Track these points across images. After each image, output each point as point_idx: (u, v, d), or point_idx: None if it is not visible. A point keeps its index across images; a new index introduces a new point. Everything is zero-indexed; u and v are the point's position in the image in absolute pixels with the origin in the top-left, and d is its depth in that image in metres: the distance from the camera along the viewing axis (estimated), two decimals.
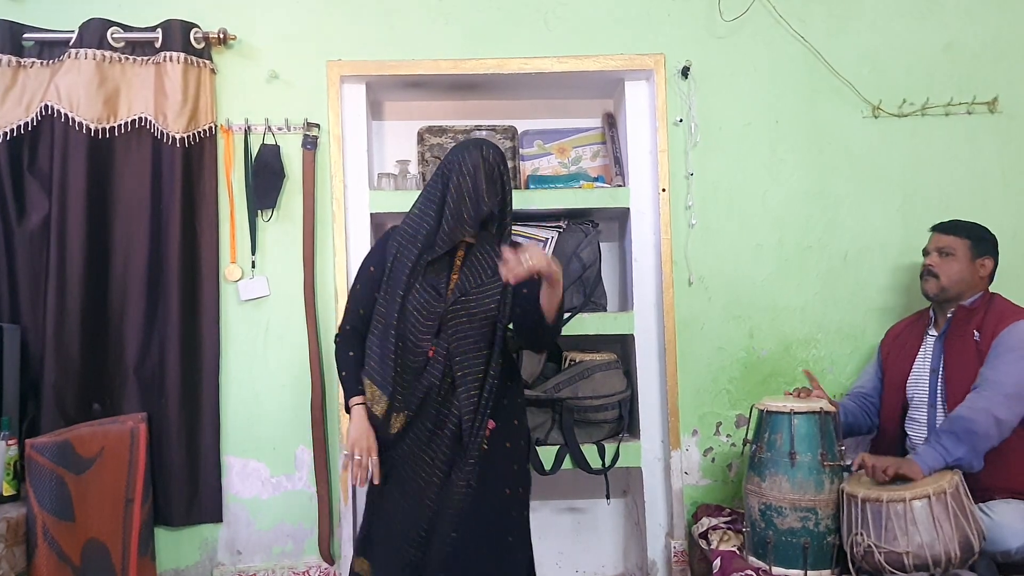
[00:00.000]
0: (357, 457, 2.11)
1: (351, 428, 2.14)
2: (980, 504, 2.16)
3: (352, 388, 2.16)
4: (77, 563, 2.27)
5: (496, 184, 2.16)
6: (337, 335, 2.25)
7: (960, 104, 2.85)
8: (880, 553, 2.05)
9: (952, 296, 2.44)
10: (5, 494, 2.33)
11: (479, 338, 2.13)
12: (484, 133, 2.90)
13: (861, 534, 2.09)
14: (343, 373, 2.20)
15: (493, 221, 2.21)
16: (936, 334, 2.49)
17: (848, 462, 2.30)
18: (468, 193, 2.13)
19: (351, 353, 2.19)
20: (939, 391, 2.40)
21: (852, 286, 2.85)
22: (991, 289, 2.47)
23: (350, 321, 2.23)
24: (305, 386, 2.74)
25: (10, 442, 2.35)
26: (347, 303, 2.27)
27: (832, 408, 2.31)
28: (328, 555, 2.72)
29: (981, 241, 2.46)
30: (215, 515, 2.72)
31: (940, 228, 2.50)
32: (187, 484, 2.68)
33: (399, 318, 2.11)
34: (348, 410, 2.17)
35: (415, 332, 2.11)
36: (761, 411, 2.35)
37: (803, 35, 2.84)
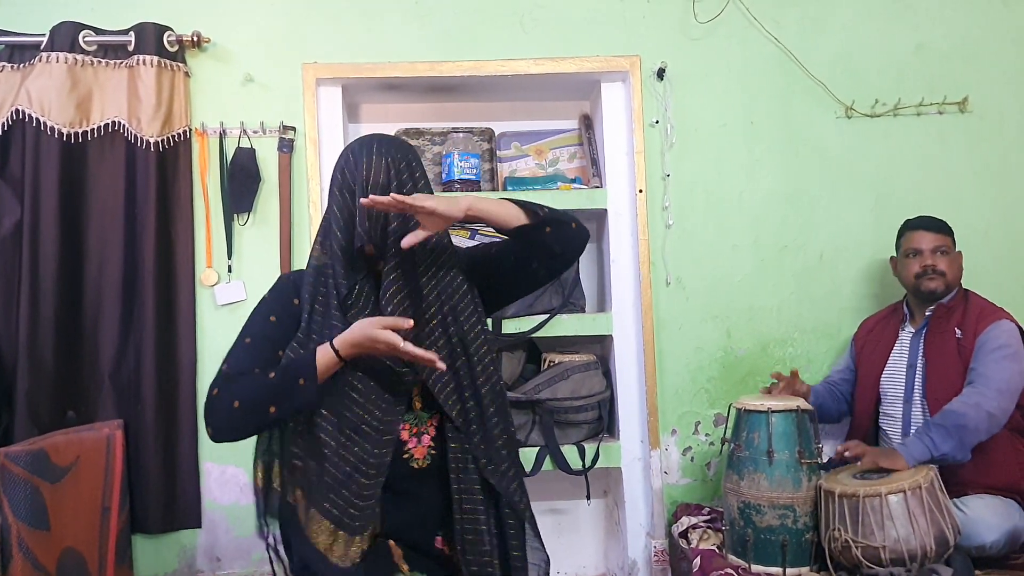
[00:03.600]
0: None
1: (356, 336, 1.57)
2: (955, 499, 2.20)
3: (301, 360, 1.60)
4: (53, 573, 2.24)
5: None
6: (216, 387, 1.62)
7: (931, 104, 2.89)
8: (857, 548, 2.07)
9: (947, 294, 2.48)
10: None
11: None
12: (461, 135, 2.90)
13: (838, 529, 2.11)
14: (272, 377, 1.58)
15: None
16: (913, 330, 2.52)
17: (825, 459, 2.32)
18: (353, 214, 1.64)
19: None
20: (916, 386, 2.44)
21: (827, 285, 2.88)
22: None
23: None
24: None
25: None
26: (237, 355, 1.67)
27: (809, 407, 2.33)
28: None
29: (954, 236, 2.52)
30: (193, 522, 2.69)
31: (927, 227, 2.52)
32: (165, 491, 2.65)
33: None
34: (317, 376, 1.58)
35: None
36: (739, 410, 2.36)
37: (777, 37, 2.87)
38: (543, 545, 1.80)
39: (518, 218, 1.70)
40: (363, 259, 1.68)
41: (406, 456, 1.69)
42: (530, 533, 1.77)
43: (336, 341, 1.58)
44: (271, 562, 1.71)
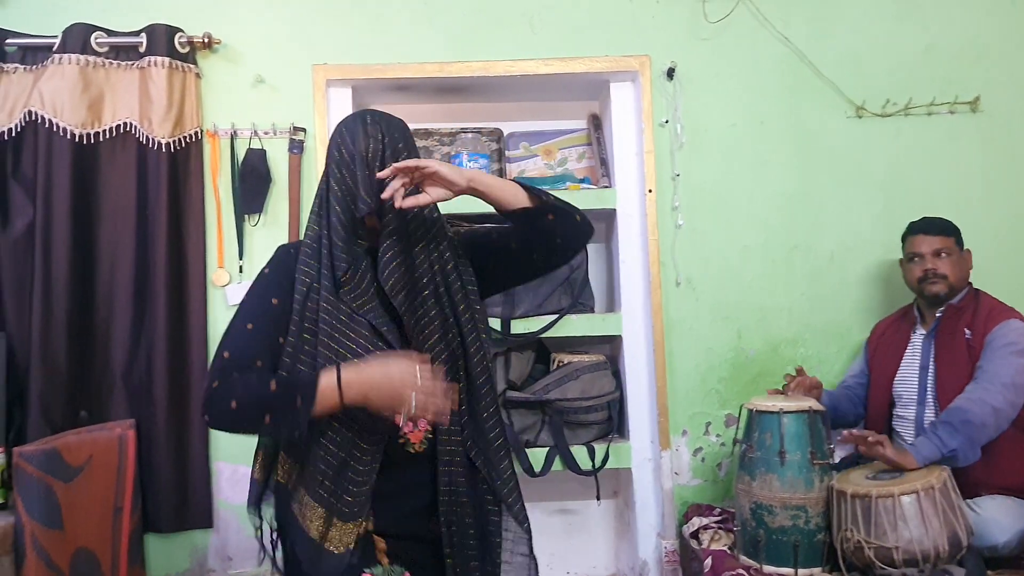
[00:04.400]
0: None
1: (376, 379, 1.53)
2: (968, 500, 2.19)
3: (305, 380, 1.55)
4: (66, 572, 2.25)
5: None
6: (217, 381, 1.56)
7: (942, 104, 2.88)
8: (870, 548, 2.06)
9: (954, 295, 2.47)
10: None
11: None
12: (470, 135, 2.91)
13: (851, 530, 2.11)
14: (273, 389, 1.54)
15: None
16: (924, 332, 2.52)
17: (837, 460, 2.32)
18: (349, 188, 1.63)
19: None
20: (929, 389, 2.43)
21: (837, 285, 2.87)
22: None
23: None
24: None
25: None
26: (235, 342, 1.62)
27: (821, 408, 2.32)
28: None
29: (959, 235, 2.51)
30: (205, 521, 2.70)
31: (926, 230, 2.52)
32: (177, 491, 2.66)
33: None
34: (315, 413, 1.53)
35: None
36: (750, 411, 2.36)
37: (787, 36, 2.87)
38: (531, 551, 1.79)
39: (520, 200, 1.68)
40: (364, 231, 1.67)
41: (402, 441, 1.65)
42: (519, 539, 1.77)
43: (344, 377, 1.53)
44: (260, 547, 1.71)
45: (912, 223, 2.57)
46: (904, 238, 2.58)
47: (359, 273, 1.64)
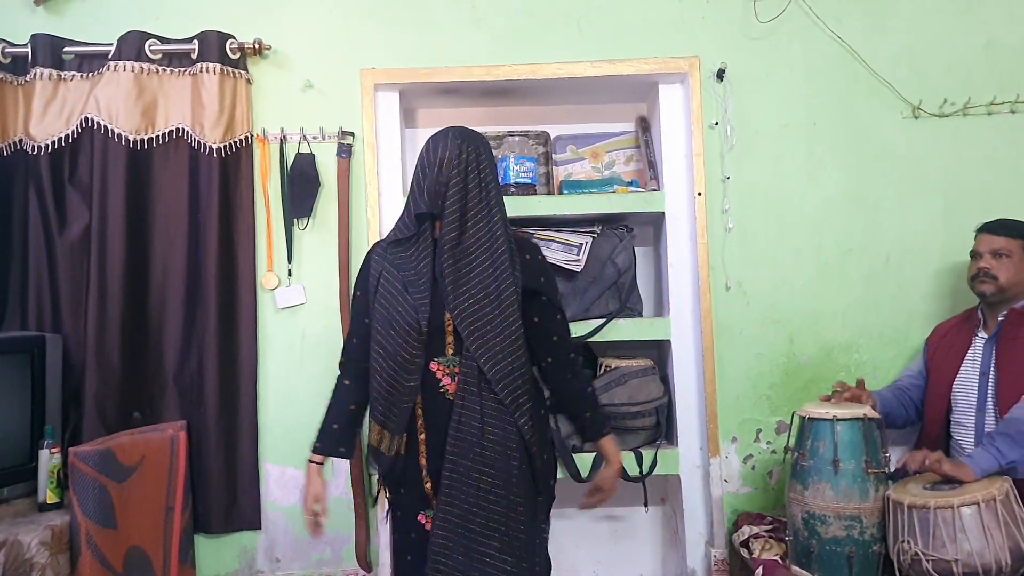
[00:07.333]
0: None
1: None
2: None
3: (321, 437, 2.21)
4: (119, 570, 2.29)
5: (455, 179, 2.06)
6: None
7: (1003, 103, 2.80)
8: (928, 561, 2.00)
9: (1008, 298, 2.40)
10: (49, 502, 2.36)
11: None
12: (517, 139, 2.89)
13: (908, 542, 2.05)
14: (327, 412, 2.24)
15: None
16: (986, 336, 2.44)
17: (893, 469, 2.26)
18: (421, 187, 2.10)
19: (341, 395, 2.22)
20: (989, 395, 2.35)
21: (894, 290, 2.80)
22: None
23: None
24: None
25: (53, 451, 2.38)
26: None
27: (876, 415, 2.26)
28: (365, 563, 2.72)
29: None
30: (254, 522, 2.73)
31: (990, 229, 2.45)
32: (226, 492, 2.70)
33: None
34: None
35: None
36: (803, 418, 2.31)
37: (840, 35, 2.80)
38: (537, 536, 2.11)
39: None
40: (429, 220, 2.10)
41: (442, 391, 2.07)
42: (526, 517, 2.07)
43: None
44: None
45: (984, 222, 2.50)
46: (975, 235, 2.51)
47: (415, 255, 2.08)
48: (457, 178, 2.05)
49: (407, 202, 2.14)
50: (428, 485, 2.09)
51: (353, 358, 2.20)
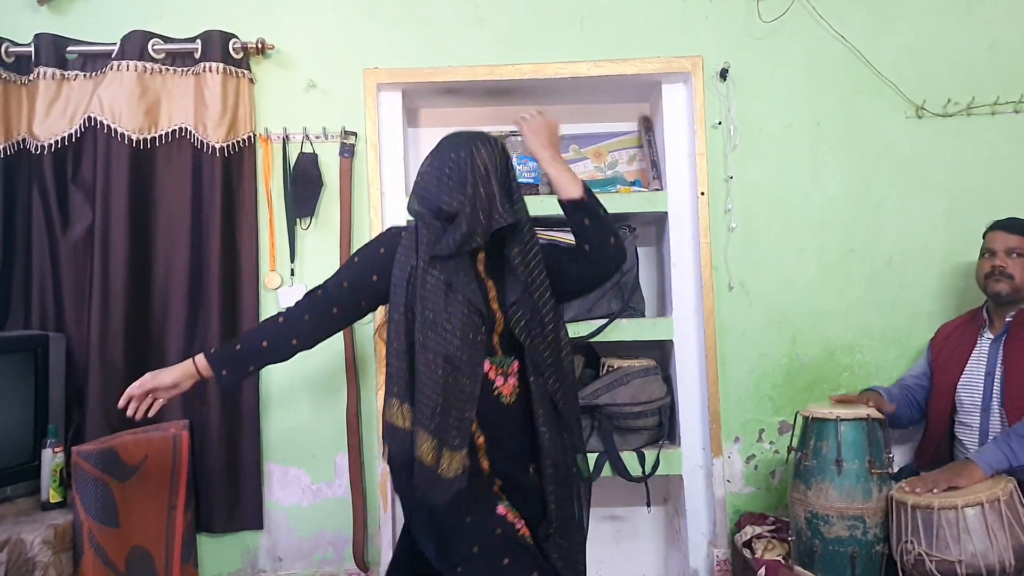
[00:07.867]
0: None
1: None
2: None
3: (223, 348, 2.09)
4: (122, 569, 2.29)
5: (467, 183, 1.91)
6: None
7: (1007, 103, 2.79)
8: (931, 561, 2.00)
9: (1020, 298, 2.39)
10: (52, 501, 2.36)
11: None
12: (520, 138, 2.89)
13: (911, 542, 2.05)
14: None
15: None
16: (992, 337, 2.43)
17: (896, 470, 2.25)
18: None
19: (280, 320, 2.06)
20: (994, 395, 2.35)
21: (896, 290, 2.79)
22: None
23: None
24: (344, 393, 2.74)
25: (56, 450, 2.38)
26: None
27: (880, 415, 2.26)
28: (362, 563, 2.72)
29: None
30: (256, 522, 2.73)
31: (1005, 227, 2.44)
32: (228, 491, 2.70)
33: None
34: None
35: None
36: (806, 418, 2.31)
37: (843, 35, 2.80)
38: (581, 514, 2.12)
39: (571, 192, 2.00)
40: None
41: (496, 393, 1.95)
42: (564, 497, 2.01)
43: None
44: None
45: (997, 220, 2.49)
46: (984, 234, 2.50)
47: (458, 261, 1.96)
48: (494, 184, 1.93)
49: (430, 211, 1.95)
50: (497, 487, 1.96)
51: (318, 301, 2.05)
